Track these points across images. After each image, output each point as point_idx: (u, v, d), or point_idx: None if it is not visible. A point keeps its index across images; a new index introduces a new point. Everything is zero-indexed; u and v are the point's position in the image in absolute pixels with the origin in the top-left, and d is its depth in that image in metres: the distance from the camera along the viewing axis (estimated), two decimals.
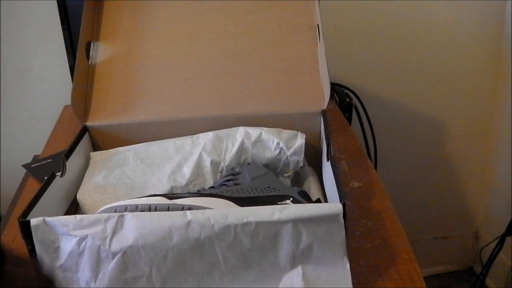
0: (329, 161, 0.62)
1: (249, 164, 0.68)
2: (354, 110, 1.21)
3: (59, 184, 0.62)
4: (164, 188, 0.67)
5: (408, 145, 1.51)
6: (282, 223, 0.48)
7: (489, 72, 1.46)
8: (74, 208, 0.66)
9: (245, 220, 0.48)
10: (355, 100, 1.24)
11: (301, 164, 0.72)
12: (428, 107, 1.47)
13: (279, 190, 0.59)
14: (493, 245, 1.47)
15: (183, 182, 0.67)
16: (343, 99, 1.17)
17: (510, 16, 1.36)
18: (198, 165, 0.69)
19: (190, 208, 0.51)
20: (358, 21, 1.32)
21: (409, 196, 1.57)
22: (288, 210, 0.49)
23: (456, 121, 1.51)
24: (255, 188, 0.58)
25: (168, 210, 0.50)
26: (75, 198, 0.67)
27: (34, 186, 0.80)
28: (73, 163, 0.68)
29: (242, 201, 0.54)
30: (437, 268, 1.73)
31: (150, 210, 0.50)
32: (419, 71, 1.42)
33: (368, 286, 0.56)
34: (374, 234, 0.64)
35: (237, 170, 0.68)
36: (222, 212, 0.49)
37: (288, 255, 0.49)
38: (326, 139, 0.67)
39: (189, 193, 0.55)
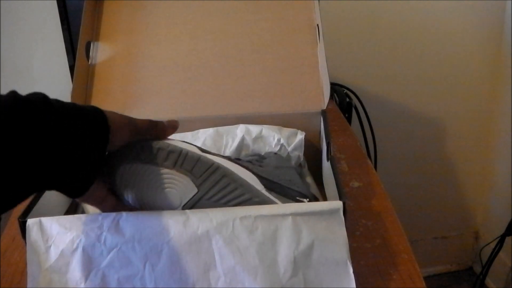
0: (329, 161, 0.62)
1: (275, 153, 0.67)
2: (354, 110, 1.21)
3: None
4: None
5: (408, 145, 1.51)
6: (281, 217, 0.47)
7: (489, 72, 1.46)
8: (74, 208, 0.66)
9: (244, 214, 0.47)
10: (355, 100, 1.24)
11: (302, 159, 0.71)
12: (428, 107, 1.47)
13: (298, 187, 0.58)
14: (493, 245, 1.47)
15: None
16: (343, 99, 1.17)
17: (510, 16, 1.36)
18: None
19: (218, 167, 0.49)
20: (358, 21, 1.32)
21: (409, 196, 1.57)
22: (288, 205, 0.48)
23: (456, 121, 1.51)
24: (278, 177, 0.57)
25: (198, 160, 0.49)
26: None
27: None
28: None
29: (266, 182, 0.53)
30: (437, 268, 1.73)
31: (180, 155, 0.49)
32: (419, 71, 1.42)
33: (368, 286, 0.56)
34: (374, 234, 0.64)
35: (263, 154, 0.67)
36: (221, 209, 0.48)
37: (288, 257, 0.47)
38: (326, 139, 0.67)
39: (220, 155, 0.53)
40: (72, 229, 0.48)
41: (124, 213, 0.48)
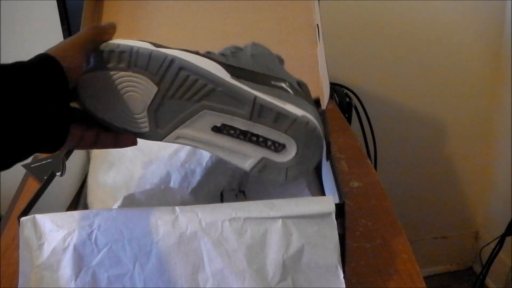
0: (328, 161, 0.62)
1: (255, 43, 0.62)
2: (354, 110, 1.21)
3: (59, 184, 0.62)
4: (160, 173, 0.67)
5: (408, 145, 1.51)
6: (271, 220, 0.46)
7: (489, 72, 1.46)
8: (74, 207, 0.66)
9: (233, 215, 0.46)
10: (355, 100, 1.24)
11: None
12: (428, 107, 1.47)
13: (276, 73, 0.54)
14: (493, 245, 1.47)
15: (179, 164, 0.67)
16: (343, 99, 1.17)
17: (510, 16, 1.36)
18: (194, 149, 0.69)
19: (173, 59, 0.47)
20: (358, 21, 1.32)
21: (409, 196, 1.57)
22: (278, 207, 0.47)
23: (456, 121, 1.51)
24: (252, 64, 0.53)
25: (150, 56, 0.47)
26: (75, 198, 0.67)
27: (34, 186, 0.80)
28: (73, 163, 0.68)
29: (235, 70, 0.50)
30: (437, 268, 1.74)
31: (131, 53, 0.47)
32: (419, 71, 1.42)
33: (368, 286, 0.56)
34: (374, 234, 0.64)
35: (242, 46, 0.62)
36: (211, 206, 0.48)
37: (277, 261, 0.46)
38: (325, 139, 0.67)
39: (178, 48, 0.50)
40: (64, 227, 0.47)
41: (114, 211, 0.48)
